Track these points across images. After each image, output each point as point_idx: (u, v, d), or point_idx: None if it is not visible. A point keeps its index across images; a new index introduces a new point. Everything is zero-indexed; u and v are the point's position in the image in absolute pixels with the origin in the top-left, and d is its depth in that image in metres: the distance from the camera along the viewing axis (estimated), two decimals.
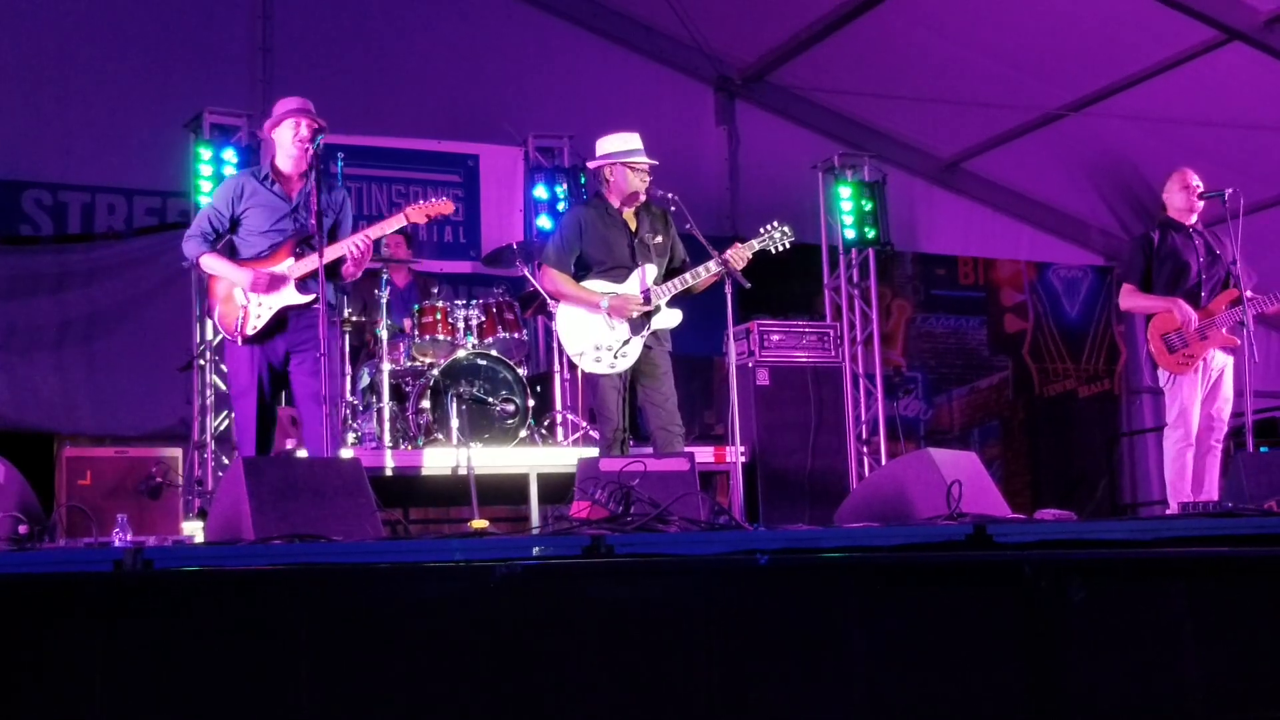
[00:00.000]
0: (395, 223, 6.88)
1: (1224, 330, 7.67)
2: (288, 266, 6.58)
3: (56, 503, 7.76)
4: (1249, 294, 7.59)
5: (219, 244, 6.81)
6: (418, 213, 6.87)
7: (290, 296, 6.59)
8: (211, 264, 6.76)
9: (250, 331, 6.61)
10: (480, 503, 7.51)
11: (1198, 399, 7.71)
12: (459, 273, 10.95)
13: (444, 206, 6.96)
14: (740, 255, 7.09)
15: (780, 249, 7.29)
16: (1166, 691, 4.64)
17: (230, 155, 9.77)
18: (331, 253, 6.52)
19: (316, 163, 6.59)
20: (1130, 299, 8.00)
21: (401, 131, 10.68)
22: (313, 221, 6.61)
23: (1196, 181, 7.90)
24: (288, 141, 6.68)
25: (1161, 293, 7.82)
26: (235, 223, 6.77)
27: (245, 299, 6.61)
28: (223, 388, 9.80)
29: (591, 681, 4.14)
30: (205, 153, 9.75)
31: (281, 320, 6.61)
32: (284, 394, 7.02)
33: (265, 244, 6.69)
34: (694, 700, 4.21)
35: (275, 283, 6.58)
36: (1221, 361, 7.76)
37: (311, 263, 6.48)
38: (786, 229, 7.27)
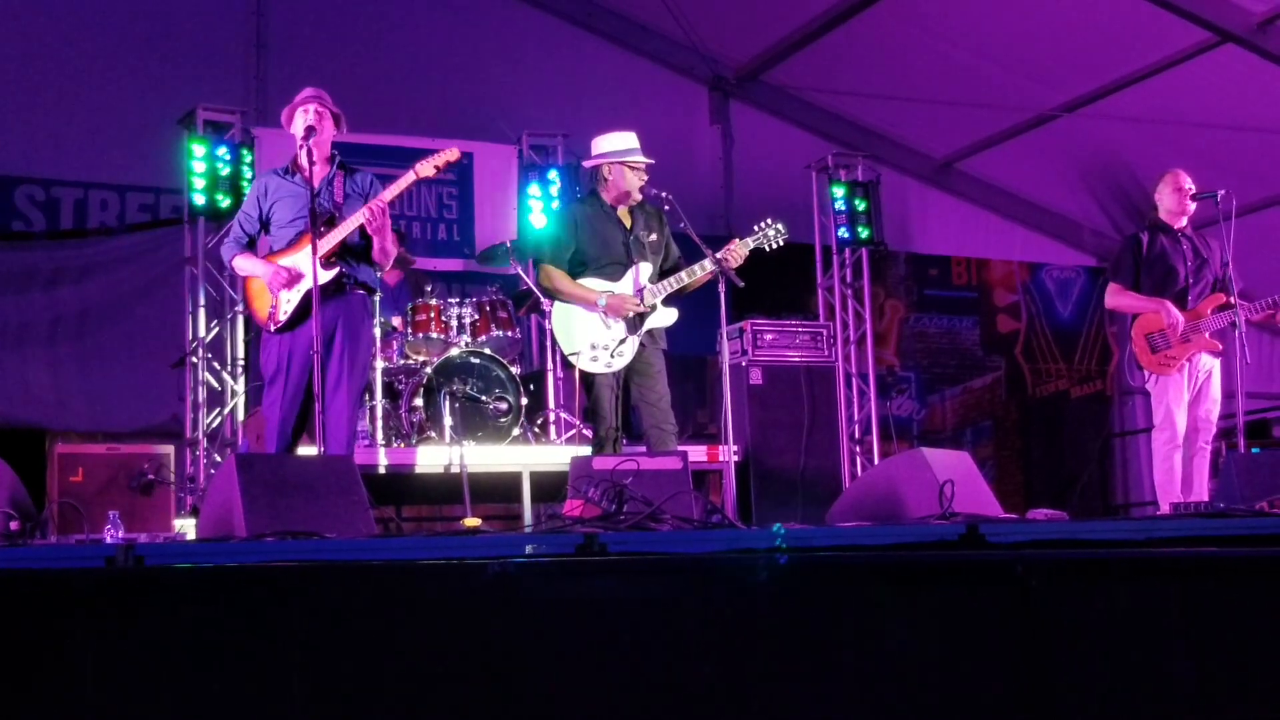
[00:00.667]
0: (406, 181, 6.77)
1: (1207, 335, 7.68)
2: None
3: (48, 499, 7.75)
4: (1234, 299, 7.61)
5: (253, 245, 6.83)
6: (426, 166, 6.79)
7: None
8: (242, 264, 6.83)
9: (282, 318, 6.60)
10: (473, 501, 7.52)
11: (1184, 401, 7.73)
12: (452, 270, 10.94)
13: (450, 155, 6.84)
14: (735, 254, 7.08)
15: (774, 246, 7.29)
16: (1158, 691, 4.65)
17: (223, 152, 9.77)
18: (350, 225, 6.52)
19: (308, 146, 6.58)
20: (1116, 297, 8.01)
21: (396, 129, 10.66)
22: (336, 200, 6.61)
23: (1189, 184, 7.90)
24: (300, 132, 6.68)
25: (1149, 294, 7.83)
26: (266, 221, 6.80)
27: (274, 291, 6.62)
28: (215, 384, 9.80)
29: (584, 679, 4.14)
30: (198, 149, 9.74)
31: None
32: None
33: (294, 232, 6.69)
34: (687, 698, 4.21)
35: (295, 276, 6.57)
36: (1209, 364, 7.78)
37: (331, 240, 6.49)
38: (780, 226, 7.26)
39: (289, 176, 6.78)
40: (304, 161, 6.65)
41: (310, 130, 6.61)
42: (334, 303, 6.53)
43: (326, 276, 6.45)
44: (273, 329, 6.65)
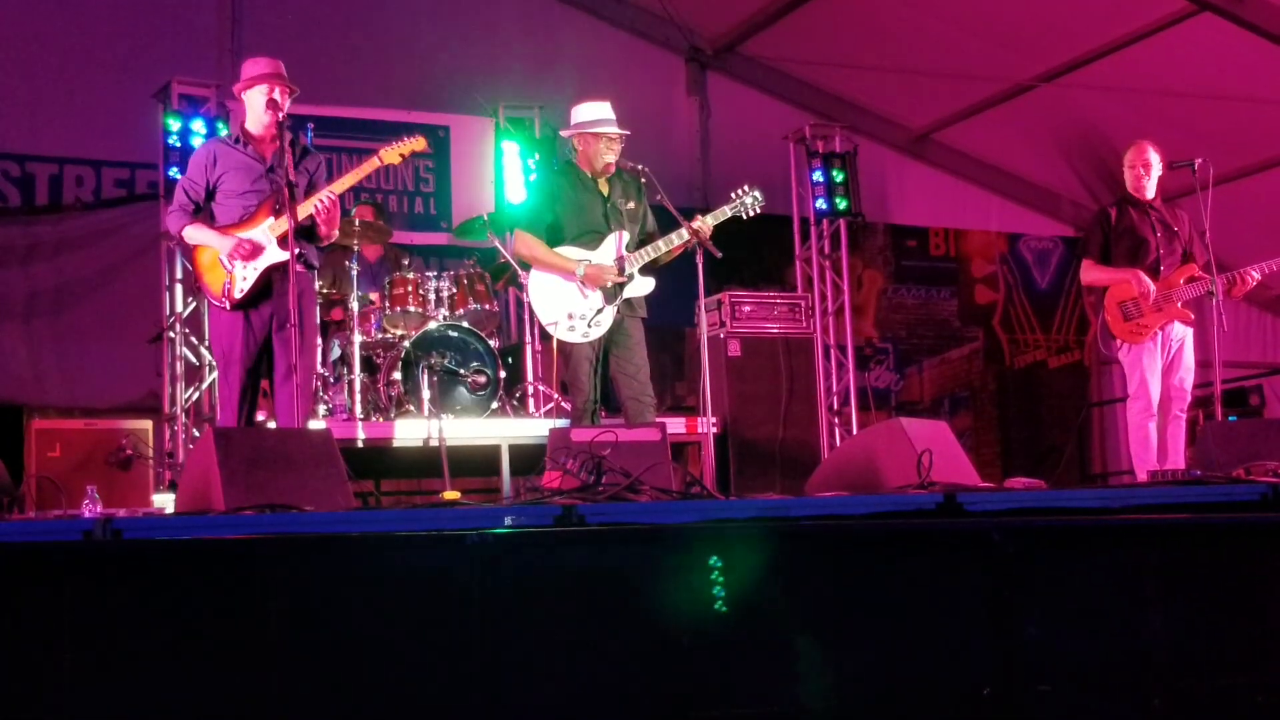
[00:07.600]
0: (369, 167, 6.80)
1: (1179, 304, 7.71)
2: (269, 225, 6.54)
3: (26, 474, 7.72)
4: (1208, 270, 7.65)
5: (199, 214, 6.77)
6: (391, 153, 6.79)
7: (274, 255, 6.53)
8: (195, 234, 6.72)
9: (239, 295, 6.56)
10: (452, 474, 7.51)
11: (1157, 369, 7.76)
12: (430, 244, 10.92)
13: (416, 143, 6.86)
14: (708, 223, 7.07)
15: (752, 214, 7.28)
16: (1134, 657, 4.67)
17: (199, 126, 9.71)
18: (303, 210, 6.49)
19: (288, 121, 6.56)
20: (1090, 273, 8.04)
21: (372, 102, 10.64)
22: (291, 179, 6.57)
23: (1151, 156, 7.88)
24: (259, 106, 6.64)
25: (1121, 266, 7.86)
26: (211, 191, 6.73)
27: (230, 264, 6.57)
28: (193, 360, 9.76)
29: (563, 649, 4.15)
30: (174, 123, 9.70)
31: (268, 283, 6.56)
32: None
33: (243, 206, 6.65)
34: (666, 668, 4.22)
35: (256, 248, 6.54)
36: (1181, 333, 7.82)
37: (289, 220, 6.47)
38: (757, 193, 7.25)
39: (239, 146, 6.74)
40: (261, 133, 6.67)
41: (274, 107, 6.58)
42: (288, 282, 6.53)
43: (287, 255, 6.43)
44: (227, 305, 6.61)
